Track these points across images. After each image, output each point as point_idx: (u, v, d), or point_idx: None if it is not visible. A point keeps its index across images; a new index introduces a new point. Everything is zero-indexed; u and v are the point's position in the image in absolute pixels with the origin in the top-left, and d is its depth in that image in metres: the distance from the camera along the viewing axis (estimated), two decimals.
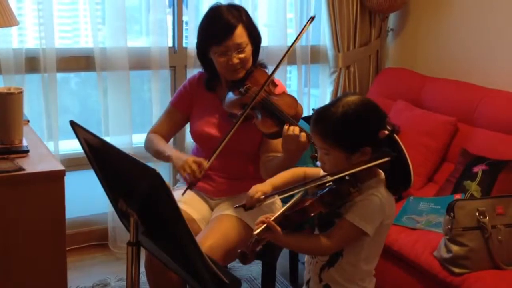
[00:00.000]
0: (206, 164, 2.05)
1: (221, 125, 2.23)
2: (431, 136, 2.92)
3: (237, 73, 2.18)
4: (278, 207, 2.11)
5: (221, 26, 2.12)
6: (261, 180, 2.23)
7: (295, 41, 2.20)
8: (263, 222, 1.52)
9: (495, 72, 3.10)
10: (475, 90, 2.99)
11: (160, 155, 2.24)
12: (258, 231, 1.50)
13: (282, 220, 1.54)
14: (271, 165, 2.14)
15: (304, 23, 2.23)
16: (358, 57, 3.64)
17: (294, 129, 1.93)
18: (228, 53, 2.13)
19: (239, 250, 1.52)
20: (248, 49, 2.17)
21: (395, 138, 1.67)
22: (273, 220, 1.52)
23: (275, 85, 2.23)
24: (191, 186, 2.08)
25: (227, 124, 2.16)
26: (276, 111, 2.05)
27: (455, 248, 2.11)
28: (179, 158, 2.11)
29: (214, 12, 2.17)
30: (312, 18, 2.20)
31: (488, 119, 2.84)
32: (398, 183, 1.67)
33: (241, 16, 2.16)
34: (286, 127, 1.95)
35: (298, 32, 2.24)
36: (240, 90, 2.16)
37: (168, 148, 2.24)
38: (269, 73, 2.23)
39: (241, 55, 2.15)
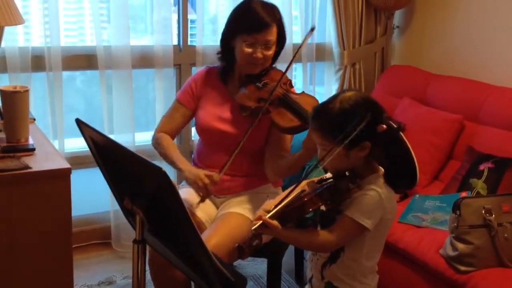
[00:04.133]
0: (217, 176, 2.08)
1: (229, 119, 2.24)
2: (437, 134, 2.91)
3: (255, 67, 2.20)
4: None
5: (257, 19, 2.12)
6: (266, 178, 2.25)
7: (298, 49, 2.22)
8: (259, 219, 1.53)
9: (501, 69, 3.09)
10: (481, 87, 2.98)
11: (169, 162, 2.26)
12: (255, 226, 1.53)
13: (280, 215, 1.55)
14: (282, 163, 2.15)
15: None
16: (364, 55, 3.63)
17: None
18: (256, 45, 2.14)
19: (236, 245, 1.54)
20: (274, 48, 2.20)
21: (400, 136, 1.67)
22: (271, 216, 1.54)
23: (292, 86, 2.26)
24: (203, 200, 2.11)
25: (235, 118, 2.18)
26: (297, 107, 2.08)
27: (461, 246, 2.10)
28: (191, 173, 2.13)
29: (248, 5, 2.17)
30: (312, 30, 2.24)
31: (494, 117, 2.83)
32: (404, 181, 1.67)
33: (275, 15, 2.17)
34: None
35: (302, 40, 2.26)
36: (257, 84, 2.19)
37: (179, 158, 2.24)
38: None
39: (266, 52, 2.16)
